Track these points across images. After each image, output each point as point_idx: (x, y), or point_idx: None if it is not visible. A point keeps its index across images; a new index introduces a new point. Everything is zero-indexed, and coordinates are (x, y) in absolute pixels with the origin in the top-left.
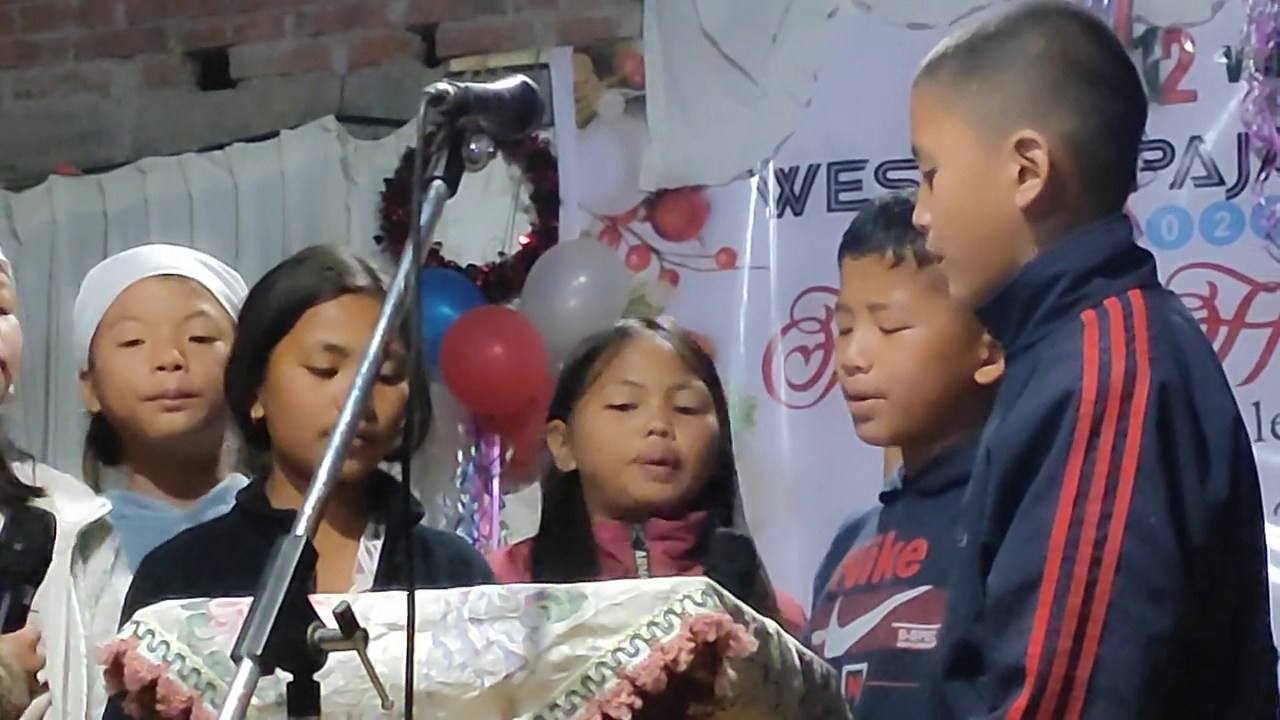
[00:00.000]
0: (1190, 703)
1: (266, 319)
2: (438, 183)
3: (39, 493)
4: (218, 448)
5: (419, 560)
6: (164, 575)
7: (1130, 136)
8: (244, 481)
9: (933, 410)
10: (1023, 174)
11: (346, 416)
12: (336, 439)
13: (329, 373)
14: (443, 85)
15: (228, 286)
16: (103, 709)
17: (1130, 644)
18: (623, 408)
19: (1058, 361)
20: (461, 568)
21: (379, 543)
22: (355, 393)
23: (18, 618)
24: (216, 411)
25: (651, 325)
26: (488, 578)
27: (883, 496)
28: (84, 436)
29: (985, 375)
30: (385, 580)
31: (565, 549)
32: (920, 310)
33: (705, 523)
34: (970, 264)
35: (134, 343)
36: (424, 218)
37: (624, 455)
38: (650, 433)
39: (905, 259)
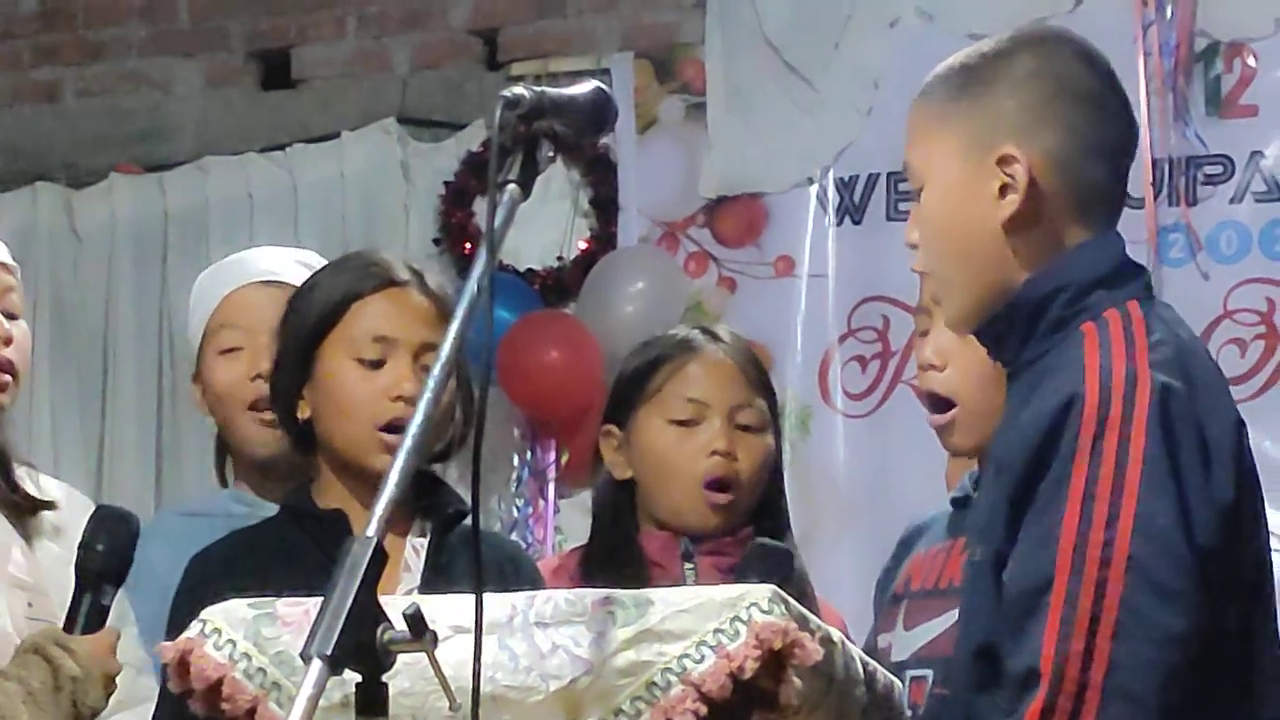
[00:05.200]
0: (1207, 705)
1: (313, 316)
2: (511, 186)
3: (50, 505)
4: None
5: (465, 559)
6: (207, 577)
7: (1119, 159)
8: None
9: None
10: (1003, 190)
11: (419, 417)
12: (408, 440)
13: (378, 364)
14: (518, 89)
15: None
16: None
17: (1144, 644)
18: (684, 424)
19: (1059, 369)
20: (509, 568)
21: (424, 541)
22: (427, 394)
23: (99, 619)
24: None
25: (714, 338)
26: (535, 581)
27: (953, 501)
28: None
29: None
30: (431, 580)
31: (613, 557)
32: None
33: (756, 538)
34: (956, 281)
35: (233, 350)
36: (497, 220)
37: (686, 474)
38: (713, 452)
39: None
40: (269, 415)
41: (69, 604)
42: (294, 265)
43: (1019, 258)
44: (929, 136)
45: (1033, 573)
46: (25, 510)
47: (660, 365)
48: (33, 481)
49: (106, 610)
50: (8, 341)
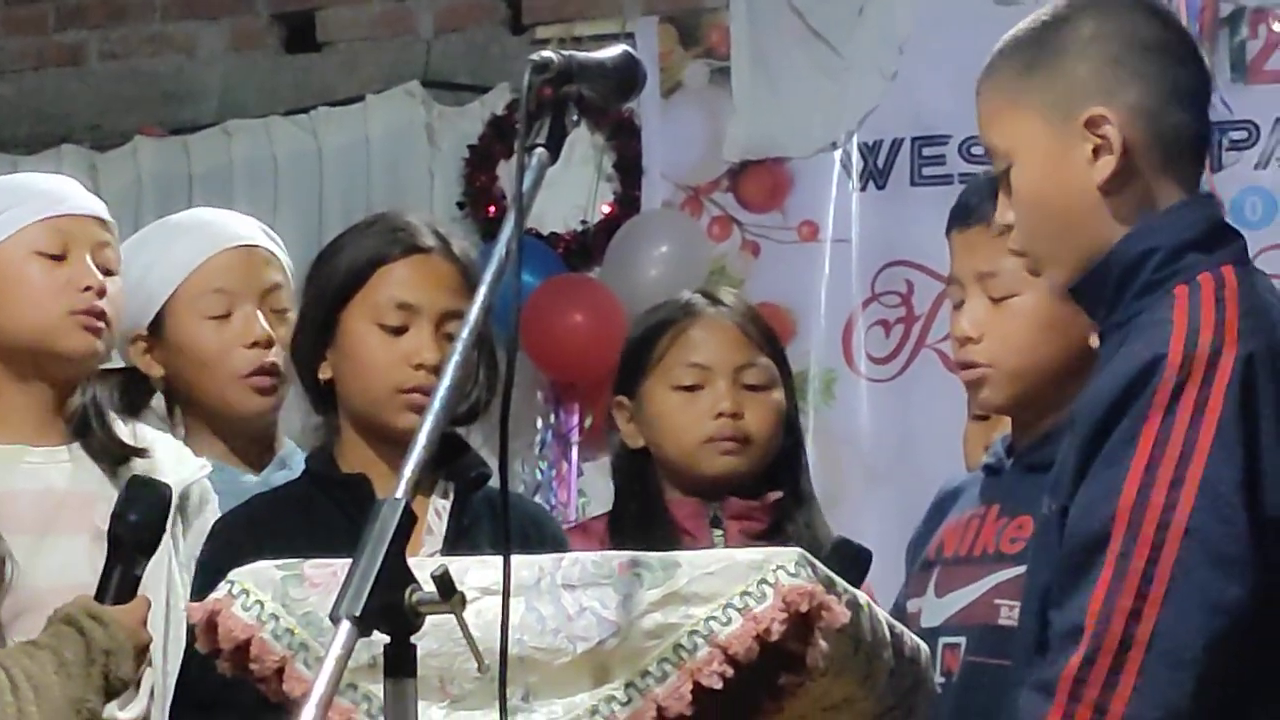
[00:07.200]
0: (1256, 674)
1: (337, 279)
2: (540, 150)
3: (143, 453)
4: (277, 419)
5: (488, 522)
6: (234, 540)
7: (1199, 102)
8: (297, 449)
9: (1045, 376)
10: (1096, 152)
11: (446, 379)
12: (436, 402)
13: (400, 330)
14: (547, 53)
15: (284, 253)
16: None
17: (1194, 608)
18: (690, 389)
19: (1147, 329)
20: (532, 529)
21: (448, 503)
22: (455, 356)
23: (129, 590)
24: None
25: (714, 301)
26: (559, 543)
27: (986, 468)
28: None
29: (1097, 340)
30: (454, 542)
31: (643, 525)
32: (1027, 277)
33: (782, 503)
34: (1060, 251)
35: (223, 316)
36: (525, 184)
37: (694, 436)
38: (720, 414)
39: None
40: (266, 382)
41: (100, 574)
42: (258, 230)
43: (1117, 217)
44: (1006, 115)
45: (1088, 529)
46: (118, 457)
47: (661, 333)
48: (129, 430)
49: (138, 581)
50: (102, 293)
